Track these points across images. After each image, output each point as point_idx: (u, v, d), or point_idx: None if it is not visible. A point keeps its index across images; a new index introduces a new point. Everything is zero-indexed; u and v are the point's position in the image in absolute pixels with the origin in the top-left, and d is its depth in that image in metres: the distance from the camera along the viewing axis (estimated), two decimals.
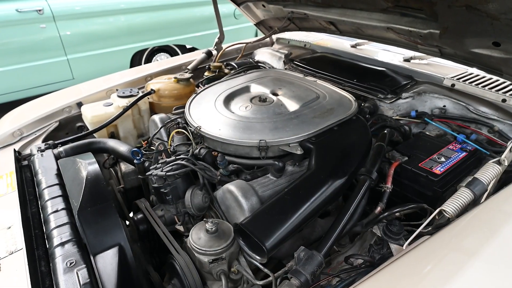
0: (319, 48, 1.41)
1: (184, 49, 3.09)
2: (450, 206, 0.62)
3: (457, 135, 0.86)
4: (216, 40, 1.49)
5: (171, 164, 0.78)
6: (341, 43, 1.42)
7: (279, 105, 0.95)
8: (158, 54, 3.04)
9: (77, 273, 0.56)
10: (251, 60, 1.50)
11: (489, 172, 0.64)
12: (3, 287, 0.58)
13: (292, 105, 0.94)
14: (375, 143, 0.81)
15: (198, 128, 0.85)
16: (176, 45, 3.04)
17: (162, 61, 1.59)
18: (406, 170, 0.77)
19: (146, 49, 2.91)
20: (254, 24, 1.58)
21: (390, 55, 1.24)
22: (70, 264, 0.58)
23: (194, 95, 1.05)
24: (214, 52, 1.49)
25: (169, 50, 3.06)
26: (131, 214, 0.87)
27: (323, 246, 0.61)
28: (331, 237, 0.61)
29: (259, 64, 1.45)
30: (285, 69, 1.33)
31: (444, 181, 0.72)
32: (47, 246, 0.64)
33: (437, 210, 0.62)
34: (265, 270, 0.63)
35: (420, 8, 0.79)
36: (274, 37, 1.68)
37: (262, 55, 1.52)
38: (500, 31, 0.67)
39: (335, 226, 0.63)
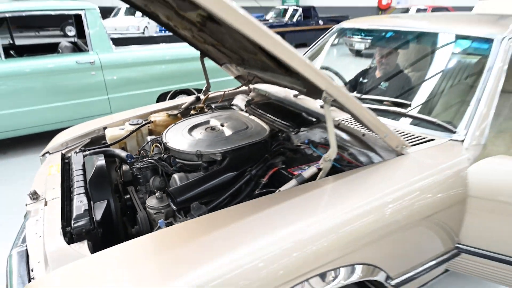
0: (273, 96, 1.96)
1: (199, 92, 3.79)
2: (284, 187, 1.11)
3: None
4: (204, 88, 2.10)
5: (145, 161, 1.35)
6: (289, 93, 1.96)
7: (221, 132, 1.49)
8: (179, 96, 3.76)
9: (84, 207, 1.11)
10: (226, 103, 2.08)
11: (310, 171, 1.13)
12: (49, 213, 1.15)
13: (228, 132, 1.48)
14: (266, 156, 1.32)
15: (166, 143, 1.42)
16: (194, 89, 3.75)
17: (165, 102, 2.22)
18: (280, 172, 1.26)
19: (170, 91, 3.64)
20: (234, 77, 2.18)
21: (315, 103, 1.75)
22: (81, 202, 1.13)
23: (172, 124, 1.63)
24: (202, 97, 2.10)
25: (188, 92, 3.77)
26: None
27: (209, 204, 1.12)
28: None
29: (232, 106, 2.03)
30: (245, 111, 1.89)
31: None
32: (71, 197, 1.21)
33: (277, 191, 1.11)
34: (174, 207, 1.14)
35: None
36: (252, 86, 2.26)
37: (237, 100, 2.10)
38: None
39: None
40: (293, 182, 1.12)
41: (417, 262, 1.22)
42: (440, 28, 1.73)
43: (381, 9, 13.36)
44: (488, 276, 1.32)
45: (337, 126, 1.47)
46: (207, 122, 1.62)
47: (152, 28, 12.34)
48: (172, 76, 3.57)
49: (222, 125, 1.56)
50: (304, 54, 2.36)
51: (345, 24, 2.22)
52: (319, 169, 1.14)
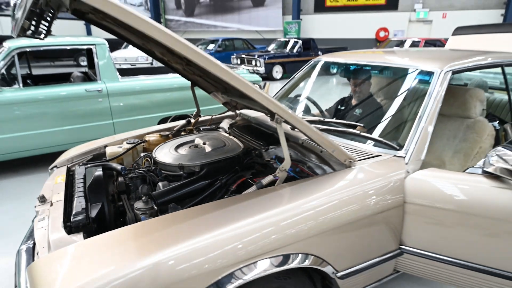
0: (253, 120, 2.23)
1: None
2: (246, 191, 1.35)
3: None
4: (194, 113, 2.39)
5: (135, 172, 1.60)
6: (266, 117, 2.23)
7: (202, 149, 1.75)
8: (179, 121, 4.06)
9: (82, 206, 1.36)
10: (214, 126, 2.35)
11: (267, 179, 1.37)
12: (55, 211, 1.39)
13: (208, 148, 1.74)
14: (236, 167, 1.57)
15: (155, 157, 1.68)
16: (192, 114, 4.05)
17: (161, 125, 2.50)
18: (247, 181, 1.50)
19: (170, 116, 3.95)
20: (222, 104, 2.46)
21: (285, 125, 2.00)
22: (80, 203, 1.38)
23: (162, 143, 1.90)
24: (192, 120, 2.38)
25: (186, 117, 4.06)
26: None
27: (185, 206, 1.35)
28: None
29: (219, 129, 2.30)
30: (228, 132, 2.15)
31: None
32: (72, 199, 1.46)
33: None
34: (155, 207, 1.37)
35: None
36: (238, 111, 2.54)
37: (223, 123, 2.37)
38: None
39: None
40: (253, 187, 1.36)
41: (363, 259, 1.42)
42: (396, 62, 2.01)
43: (379, 41, 13.93)
44: (430, 275, 1.51)
45: (301, 144, 1.73)
46: (192, 141, 1.88)
47: None
48: (172, 103, 3.89)
49: (204, 143, 1.82)
50: (286, 84, 2.66)
51: (322, 58, 2.52)
52: (275, 177, 1.38)
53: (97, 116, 3.52)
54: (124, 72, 4.42)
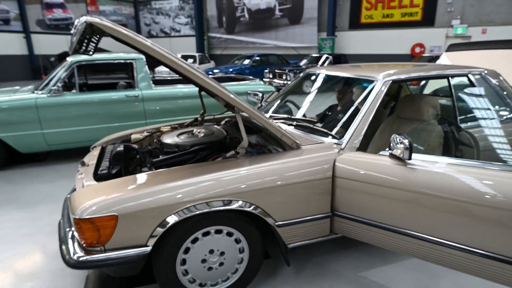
0: (244, 118, 2.80)
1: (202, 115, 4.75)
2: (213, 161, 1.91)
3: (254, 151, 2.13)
4: (201, 113, 3.02)
5: (146, 148, 2.24)
6: None
7: (196, 135, 2.35)
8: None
9: (106, 165, 2.01)
10: (214, 123, 2.96)
11: (230, 153, 1.93)
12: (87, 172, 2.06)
13: (200, 135, 2.34)
14: (214, 147, 2.14)
15: (161, 139, 2.31)
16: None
17: (176, 122, 3.16)
18: (220, 156, 2.07)
19: None
20: (223, 106, 3.07)
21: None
22: (105, 165, 2.03)
23: (171, 132, 2.53)
24: (199, 118, 3.01)
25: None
26: None
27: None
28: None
29: (216, 124, 2.90)
30: (222, 127, 2.74)
31: None
32: (101, 163, 2.12)
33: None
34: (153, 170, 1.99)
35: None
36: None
37: (223, 121, 2.97)
38: None
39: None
40: (219, 158, 1.93)
41: (299, 215, 1.90)
42: (355, 74, 2.48)
43: (414, 56, 13.90)
44: (356, 235, 1.95)
45: (268, 134, 2.26)
46: (191, 130, 2.50)
47: None
48: (195, 108, 4.59)
49: (198, 132, 2.42)
50: (281, 90, 3.20)
51: (309, 70, 3.04)
52: (237, 153, 1.94)
53: (133, 117, 4.30)
54: (160, 82, 5.24)
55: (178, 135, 2.40)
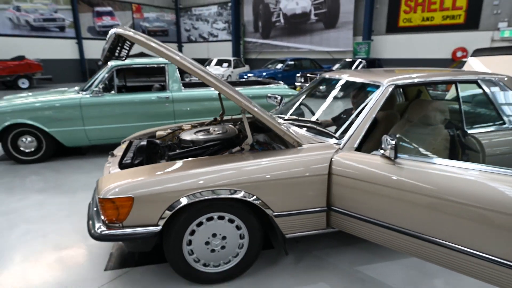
0: (256, 119, 3.00)
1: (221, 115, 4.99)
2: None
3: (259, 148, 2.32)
4: (220, 113, 3.27)
5: (166, 144, 2.52)
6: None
7: (211, 133, 2.59)
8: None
9: (130, 156, 2.31)
10: (232, 123, 3.19)
11: (235, 149, 2.14)
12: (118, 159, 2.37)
13: (214, 133, 2.57)
14: (224, 143, 2.36)
15: (180, 136, 2.57)
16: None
17: (197, 120, 3.44)
18: (229, 151, 2.29)
19: None
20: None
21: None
22: (129, 156, 2.33)
23: (190, 129, 2.80)
24: (218, 118, 3.25)
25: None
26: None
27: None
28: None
29: (232, 123, 3.12)
30: (235, 126, 2.96)
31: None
32: (127, 154, 2.42)
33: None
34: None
35: None
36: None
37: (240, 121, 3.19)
38: None
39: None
40: (226, 153, 2.15)
41: (296, 207, 2.07)
42: (363, 78, 2.59)
43: (455, 61, 13.30)
44: (352, 230, 2.07)
45: (275, 134, 2.45)
46: (208, 129, 2.75)
47: (235, 76, 14.50)
48: (219, 109, 4.87)
49: (214, 130, 2.67)
50: (299, 92, 3.37)
51: (325, 75, 3.19)
52: (242, 149, 2.15)
53: (164, 116, 4.67)
54: (190, 85, 5.60)
55: (195, 133, 2.66)
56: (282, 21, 18.11)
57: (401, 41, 14.92)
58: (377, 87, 2.35)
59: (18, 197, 3.41)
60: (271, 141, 2.42)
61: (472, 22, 13.22)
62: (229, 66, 14.90)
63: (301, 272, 2.20)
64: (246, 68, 16.05)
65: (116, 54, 2.49)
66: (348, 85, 2.99)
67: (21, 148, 4.44)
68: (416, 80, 2.36)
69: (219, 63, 15.38)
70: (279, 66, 13.37)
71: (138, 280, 2.13)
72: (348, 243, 2.53)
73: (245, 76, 12.86)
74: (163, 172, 1.91)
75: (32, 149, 4.47)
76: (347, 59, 12.55)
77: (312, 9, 16.87)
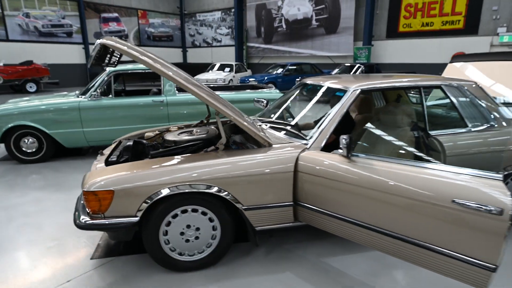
0: None
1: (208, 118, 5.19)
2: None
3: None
4: (206, 115, 3.47)
5: (150, 143, 2.73)
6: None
7: (193, 134, 2.79)
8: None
9: (115, 155, 2.52)
10: (213, 126, 3.39)
11: (210, 148, 2.34)
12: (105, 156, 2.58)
13: (196, 134, 2.78)
14: (201, 143, 2.56)
15: (164, 137, 2.78)
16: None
17: (185, 123, 3.65)
18: (206, 150, 2.49)
19: None
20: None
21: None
22: (115, 154, 2.55)
23: (175, 131, 3.00)
24: (205, 121, 3.46)
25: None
26: None
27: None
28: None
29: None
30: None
31: None
32: (113, 153, 2.64)
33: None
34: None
35: None
36: None
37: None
38: None
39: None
40: (202, 152, 2.35)
41: (264, 202, 2.25)
42: (333, 84, 2.78)
43: None
44: (314, 222, 2.25)
45: (250, 135, 2.64)
46: (191, 130, 2.95)
47: (236, 81, 14.75)
48: (212, 112, 5.08)
49: (196, 132, 2.87)
50: (280, 98, 3.56)
51: (305, 80, 3.38)
52: (217, 148, 2.35)
53: (158, 119, 4.90)
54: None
55: (179, 134, 2.87)
56: (284, 26, 18.36)
57: (401, 46, 15.05)
58: (345, 92, 2.54)
59: (18, 193, 3.65)
60: (245, 141, 2.62)
61: (471, 27, 13.31)
62: (230, 70, 15.16)
63: (270, 263, 2.38)
64: (248, 72, 16.30)
65: (106, 61, 2.72)
66: (323, 90, 3.18)
67: (23, 149, 4.70)
68: (379, 85, 2.54)
69: (221, 67, 15.66)
70: (279, 70, 13.59)
71: (120, 268, 2.33)
72: (317, 237, 2.70)
73: (247, 80, 13.09)
74: (141, 169, 2.11)
75: (34, 150, 4.73)
76: (347, 64, 12.71)
77: (314, 14, 17.10)
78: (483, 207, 1.51)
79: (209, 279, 2.20)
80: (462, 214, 1.57)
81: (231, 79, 14.66)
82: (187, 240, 2.23)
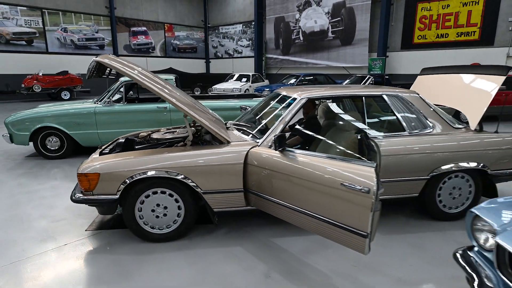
0: None
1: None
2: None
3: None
4: (192, 121, 4.07)
5: (139, 142, 3.34)
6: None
7: (176, 134, 3.37)
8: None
9: (109, 149, 3.15)
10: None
11: (180, 144, 2.90)
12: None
13: (178, 134, 3.35)
14: (182, 141, 3.13)
15: (151, 136, 3.38)
16: None
17: (176, 126, 4.25)
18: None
19: None
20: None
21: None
22: (109, 148, 3.18)
23: (162, 131, 3.60)
24: (192, 124, 4.04)
25: None
26: None
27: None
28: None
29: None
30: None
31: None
32: (109, 147, 3.27)
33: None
34: None
35: None
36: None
37: None
38: None
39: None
40: (173, 147, 2.92)
41: (219, 187, 2.77)
42: (287, 93, 3.27)
43: None
44: (260, 206, 2.74)
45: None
46: (175, 130, 3.54)
47: (252, 90, 15.40)
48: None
49: (178, 132, 3.45)
50: (257, 105, 4.09)
51: (276, 90, 3.89)
52: (185, 144, 2.91)
53: (162, 123, 5.56)
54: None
55: (163, 133, 3.46)
56: (301, 38, 18.92)
57: (416, 57, 15.13)
58: (295, 99, 3.04)
59: (40, 182, 4.39)
60: (212, 139, 3.16)
61: (487, 38, 13.24)
62: (247, 80, 15.85)
63: (227, 239, 2.88)
64: (266, 82, 16.92)
65: (107, 72, 3.37)
66: (281, 98, 3.68)
67: (48, 147, 5.50)
68: (324, 94, 3.02)
69: (239, 78, 16.39)
70: (293, 81, 14.10)
71: (106, 237, 2.92)
72: (275, 222, 3.18)
73: (262, 90, 13.70)
74: (122, 158, 2.71)
75: (56, 148, 5.52)
76: (358, 75, 13.03)
77: (330, 27, 17.54)
78: (357, 187, 1.96)
79: (172, 248, 2.75)
80: (345, 194, 2.03)
81: (247, 89, 15.32)
82: (157, 216, 2.79)
